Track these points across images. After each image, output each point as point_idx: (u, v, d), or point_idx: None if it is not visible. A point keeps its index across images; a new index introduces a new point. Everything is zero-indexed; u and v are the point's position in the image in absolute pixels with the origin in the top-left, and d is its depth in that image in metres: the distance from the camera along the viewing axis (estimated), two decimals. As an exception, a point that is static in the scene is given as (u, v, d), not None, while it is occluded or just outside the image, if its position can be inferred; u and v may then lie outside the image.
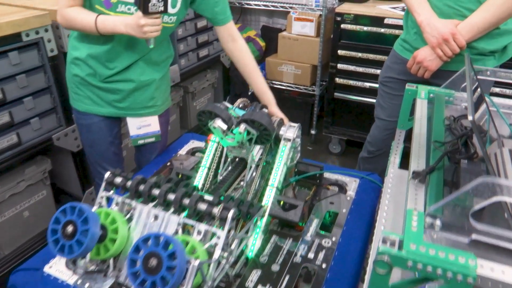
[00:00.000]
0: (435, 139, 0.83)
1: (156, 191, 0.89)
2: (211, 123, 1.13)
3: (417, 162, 0.75)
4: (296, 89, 2.83)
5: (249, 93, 2.96)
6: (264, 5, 2.71)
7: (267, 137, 1.11)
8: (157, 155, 1.53)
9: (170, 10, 1.22)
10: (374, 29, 2.25)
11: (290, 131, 1.19)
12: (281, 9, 2.66)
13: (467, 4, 1.31)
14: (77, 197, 2.03)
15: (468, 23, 1.29)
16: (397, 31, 2.19)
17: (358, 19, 2.28)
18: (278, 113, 1.33)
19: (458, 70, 1.40)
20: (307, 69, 2.75)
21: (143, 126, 1.43)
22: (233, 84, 3.02)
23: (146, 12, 1.09)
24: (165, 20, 1.24)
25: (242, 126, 1.09)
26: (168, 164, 1.44)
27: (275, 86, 2.89)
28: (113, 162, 1.50)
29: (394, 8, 2.29)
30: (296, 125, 1.21)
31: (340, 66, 2.44)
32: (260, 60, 2.98)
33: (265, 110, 1.18)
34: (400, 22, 2.16)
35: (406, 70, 1.49)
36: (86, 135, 1.43)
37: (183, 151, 1.53)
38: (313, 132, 2.90)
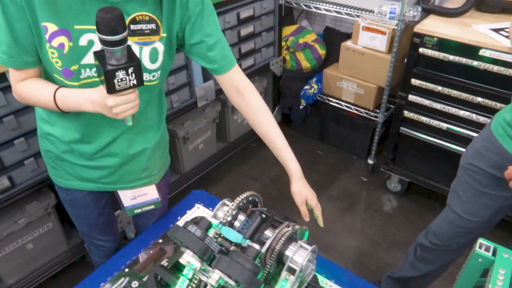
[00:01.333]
0: None
1: None
2: (182, 250, 0.82)
3: None
4: (355, 111, 2.36)
5: (301, 107, 2.56)
6: (326, 9, 2.21)
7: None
8: (156, 220, 1.29)
9: (150, 66, 0.92)
10: (464, 60, 1.69)
11: (299, 255, 0.84)
12: (346, 16, 2.15)
13: None
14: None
15: None
16: (495, 68, 1.62)
17: (443, 44, 1.72)
18: (302, 193, 1.01)
19: None
20: (371, 90, 2.25)
21: (138, 196, 1.16)
22: (283, 95, 2.62)
23: (112, 91, 0.76)
24: (146, 78, 0.92)
25: (216, 275, 0.77)
26: (161, 241, 1.19)
27: (331, 103, 2.44)
28: (104, 231, 1.29)
29: (496, 30, 1.69)
30: (309, 247, 0.85)
31: (411, 97, 1.92)
32: (317, 70, 2.52)
33: (254, 247, 0.82)
34: (504, 57, 1.58)
35: (505, 164, 1.02)
36: (70, 209, 1.20)
37: (185, 219, 1.27)
38: (370, 161, 2.44)
